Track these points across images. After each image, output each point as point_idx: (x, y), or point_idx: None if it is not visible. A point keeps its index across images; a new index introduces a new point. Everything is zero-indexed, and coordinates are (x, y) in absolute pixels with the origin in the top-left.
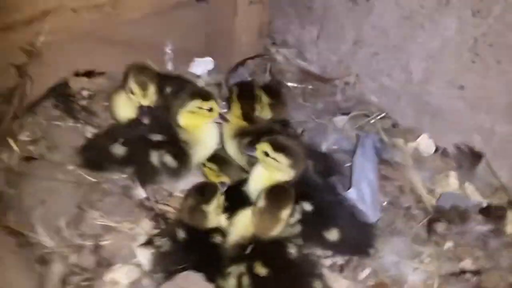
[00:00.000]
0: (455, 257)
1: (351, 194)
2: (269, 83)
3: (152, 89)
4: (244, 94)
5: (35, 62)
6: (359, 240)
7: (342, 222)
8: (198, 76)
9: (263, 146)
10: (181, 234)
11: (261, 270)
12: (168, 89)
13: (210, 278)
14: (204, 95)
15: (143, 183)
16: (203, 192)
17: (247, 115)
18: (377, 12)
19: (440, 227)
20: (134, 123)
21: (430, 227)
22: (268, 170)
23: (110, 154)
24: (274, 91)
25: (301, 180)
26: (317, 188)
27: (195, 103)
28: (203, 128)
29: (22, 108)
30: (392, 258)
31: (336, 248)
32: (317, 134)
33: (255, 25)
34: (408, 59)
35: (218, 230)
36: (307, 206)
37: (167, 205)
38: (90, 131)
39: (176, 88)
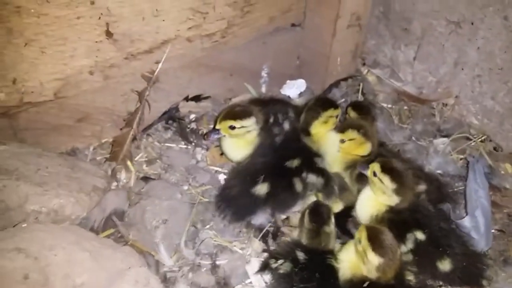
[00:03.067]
0: None
1: (466, 222)
2: (357, 101)
3: (227, 123)
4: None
5: (152, 88)
6: (472, 271)
7: (455, 252)
8: (289, 98)
9: (374, 165)
10: (300, 255)
11: None
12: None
13: None
14: (334, 104)
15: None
16: (321, 213)
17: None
18: (483, 35)
19: None
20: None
21: None
22: (375, 193)
23: (254, 196)
24: (363, 107)
25: (413, 207)
26: (429, 216)
27: (328, 113)
28: (327, 136)
29: (139, 132)
30: None
31: (449, 278)
32: (418, 156)
33: (351, 47)
34: None
35: (332, 253)
36: (420, 235)
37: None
38: (199, 153)
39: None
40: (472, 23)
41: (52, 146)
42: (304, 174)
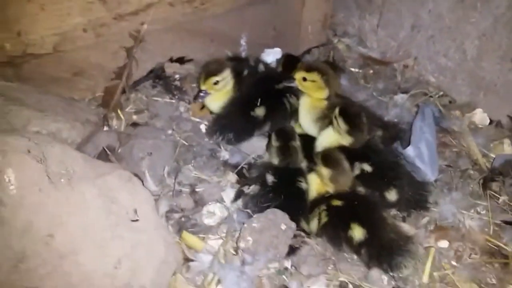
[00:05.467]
0: (510, 208)
1: (409, 151)
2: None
3: (212, 80)
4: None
5: (139, 48)
6: (417, 198)
7: (401, 183)
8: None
9: (336, 110)
10: (269, 178)
11: (336, 203)
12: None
13: (294, 218)
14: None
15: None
16: (286, 132)
17: None
18: None
19: (495, 185)
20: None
21: (485, 185)
22: (335, 133)
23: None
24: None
25: (364, 144)
26: (378, 152)
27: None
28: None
29: (128, 85)
30: (450, 209)
31: (396, 207)
32: (378, 109)
33: (320, 16)
34: (462, 39)
35: (302, 174)
36: (367, 167)
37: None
38: (183, 106)
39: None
40: None
41: None
42: (288, 95)
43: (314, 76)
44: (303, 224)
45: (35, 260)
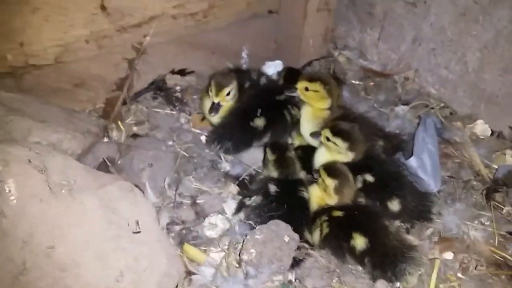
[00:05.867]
0: None
1: (412, 162)
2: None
3: (225, 91)
4: None
5: (141, 59)
6: (420, 210)
7: (403, 192)
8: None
9: (325, 132)
10: (272, 188)
11: (337, 213)
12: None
13: (298, 229)
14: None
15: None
16: (280, 145)
17: None
18: (434, 12)
19: (498, 196)
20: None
21: (488, 195)
22: (331, 153)
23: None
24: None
25: (365, 155)
26: (380, 162)
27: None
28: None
29: (129, 96)
30: (454, 220)
31: (399, 217)
32: (379, 120)
33: (321, 30)
34: (464, 51)
35: (303, 184)
36: (369, 177)
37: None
38: (183, 117)
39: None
40: (425, 2)
41: None
42: (289, 106)
43: (317, 86)
44: (307, 235)
45: (35, 272)
